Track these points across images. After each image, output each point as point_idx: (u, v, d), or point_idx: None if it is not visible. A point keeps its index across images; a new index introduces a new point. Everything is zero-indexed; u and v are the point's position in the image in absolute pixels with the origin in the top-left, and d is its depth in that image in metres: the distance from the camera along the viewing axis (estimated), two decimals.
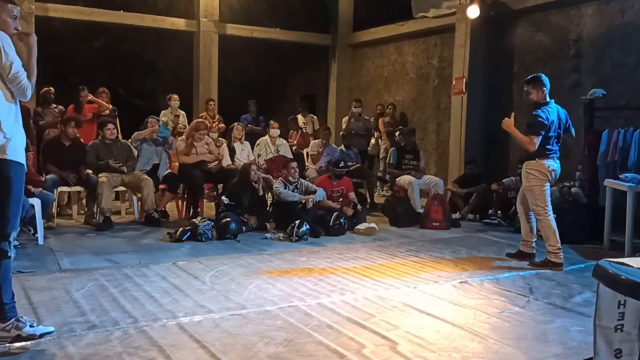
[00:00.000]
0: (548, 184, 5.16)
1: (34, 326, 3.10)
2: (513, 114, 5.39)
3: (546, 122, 4.99)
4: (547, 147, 5.08)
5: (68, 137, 6.85)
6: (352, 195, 7.35)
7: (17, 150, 3.07)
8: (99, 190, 6.51)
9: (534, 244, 5.42)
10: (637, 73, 7.23)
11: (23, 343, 3.05)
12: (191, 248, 5.71)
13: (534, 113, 5.04)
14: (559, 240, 5.12)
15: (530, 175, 5.13)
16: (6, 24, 3.08)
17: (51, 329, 3.17)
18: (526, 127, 5.07)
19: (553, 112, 5.12)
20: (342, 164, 7.42)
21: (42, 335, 3.08)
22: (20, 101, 3.18)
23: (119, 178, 6.83)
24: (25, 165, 3.13)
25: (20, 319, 3.09)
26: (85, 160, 6.82)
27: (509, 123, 5.22)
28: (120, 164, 6.85)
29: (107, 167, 6.79)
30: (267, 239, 6.25)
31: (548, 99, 5.16)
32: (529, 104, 5.24)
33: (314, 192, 6.85)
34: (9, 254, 3.03)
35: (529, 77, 5.29)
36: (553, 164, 5.14)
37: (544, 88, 5.14)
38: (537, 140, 4.99)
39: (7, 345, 3.02)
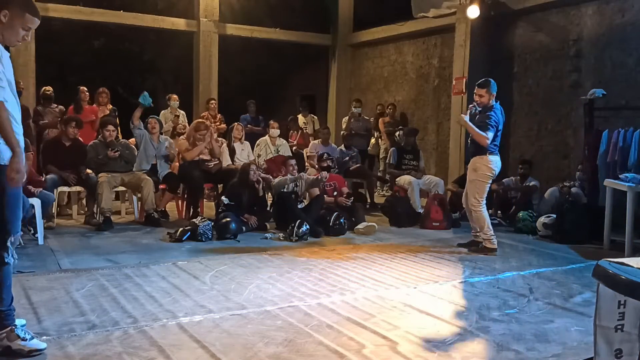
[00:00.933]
0: (490, 179, 5.73)
1: (26, 339, 2.93)
2: (469, 110, 5.84)
3: (497, 123, 5.58)
4: (494, 144, 5.63)
5: (68, 137, 6.85)
6: (344, 189, 7.39)
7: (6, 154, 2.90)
8: (99, 190, 6.51)
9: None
10: (637, 73, 7.24)
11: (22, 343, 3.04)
12: (191, 248, 5.71)
13: (488, 114, 5.55)
14: (491, 228, 5.74)
15: (479, 170, 5.63)
16: (14, 33, 2.92)
17: (43, 345, 2.98)
18: (479, 125, 5.55)
19: (499, 112, 5.65)
20: (325, 156, 7.43)
21: (30, 352, 2.89)
22: (19, 101, 3.14)
23: (119, 178, 6.83)
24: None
25: (15, 330, 2.92)
26: (84, 160, 6.82)
27: (463, 119, 5.68)
28: (117, 150, 6.82)
29: (107, 160, 6.79)
30: (267, 239, 6.25)
31: (494, 101, 5.67)
32: (480, 106, 5.68)
33: (317, 184, 6.86)
34: (6, 261, 2.90)
35: (481, 81, 5.76)
36: (497, 160, 5.68)
37: (494, 92, 5.68)
38: (490, 136, 5.51)
39: None
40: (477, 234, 5.83)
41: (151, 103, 7.16)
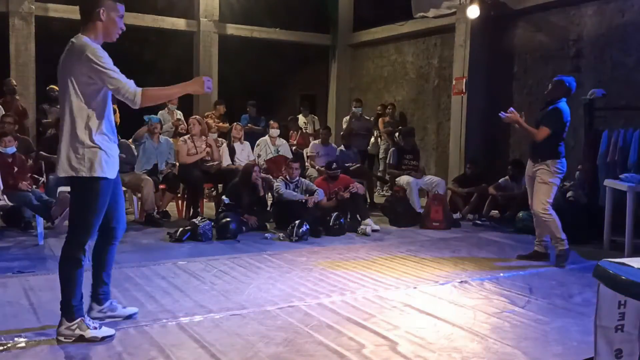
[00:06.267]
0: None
1: (97, 328, 3.17)
2: (523, 112, 5.51)
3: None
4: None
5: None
6: (352, 185, 7.13)
7: (104, 165, 3.11)
8: None
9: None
10: (637, 73, 7.23)
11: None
12: (191, 248, 5.71)
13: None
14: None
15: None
16: (115, 24, 3.14)
17: (112, 331, 3.21)
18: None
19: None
20: (334, 165, 7.36)
21: (103, 338, 3.13)
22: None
23: (119, 178, 6.81)
24: (110, 179, 3.18)
25: (85, 319, 3.16)
26: None
27: (516, 117, 5.30)
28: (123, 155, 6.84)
29: None
30: (267, 239, 6.25)
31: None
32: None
33: (314, 192, 6.85)
34: (82, 263, 3.12)
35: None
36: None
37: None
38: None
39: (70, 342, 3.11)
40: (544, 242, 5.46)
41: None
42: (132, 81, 3.08)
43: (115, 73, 3.02)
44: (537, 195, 5.24)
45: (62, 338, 3.10)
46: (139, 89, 3.05)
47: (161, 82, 3.43)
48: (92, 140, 3.05)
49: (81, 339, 3.10)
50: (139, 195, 7.00)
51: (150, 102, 3.15)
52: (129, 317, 3.50)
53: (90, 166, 3.05)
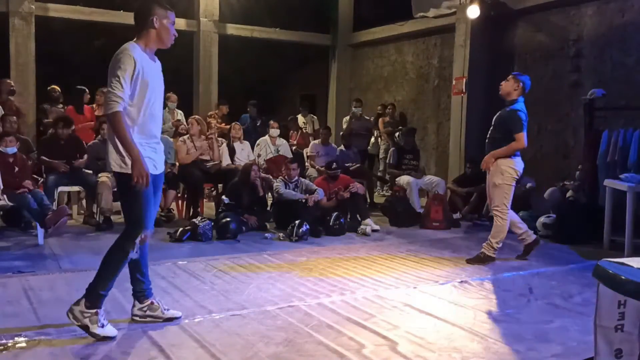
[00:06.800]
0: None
1: (103, 326, 3.18)
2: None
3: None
4: None
5: (61, 138, 6.82)
6: (352, 185, 7.12)
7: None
8: (99, 191, 6.50)
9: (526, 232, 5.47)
10: (637, 73, 7.23)
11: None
12: (191, 248, 5.71)
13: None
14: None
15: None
16: (167, 30, 3.33)
17: (114, 332, 3.21)
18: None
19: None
20: (334, 165, 7.35)
21: (103, 338, 3.15)
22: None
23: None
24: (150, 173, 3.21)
25: (100, 314, 3.19)
26: (82, 153, 6.82)
27: (488, 158, 5.31)
28: None
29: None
30: (267, 239, 6.25)
31: None
32: None
33: (314, 191, 6.85)
34: (130, 256, 3.21)
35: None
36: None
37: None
38: None
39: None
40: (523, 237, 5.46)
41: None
42: (126, 100, 3.11)
43: (118, 81, 3.08)
44: (495, 195, 5.23)
45: (70, 316, 3.18)
46: (117, 109, 3.07)
47: None
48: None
49: (85, 328, 3.15)
50: None
51: (113, 129, 3.14)
52: (170, 319, 3.48)
53: (127, 163, 3.16)
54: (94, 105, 8.26)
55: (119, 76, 3.08)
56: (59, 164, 6.62)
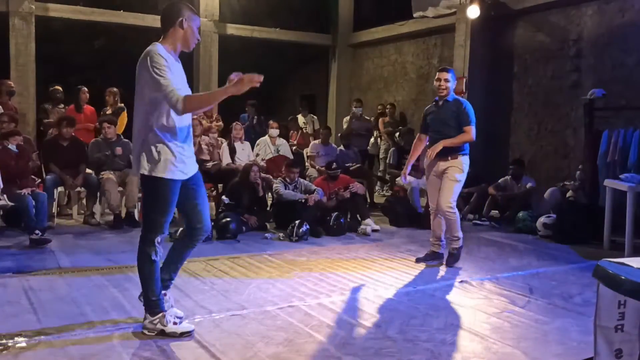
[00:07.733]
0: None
1: (177, 323, 3.27)
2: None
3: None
4: None
5: (65, 138, 6.83)
6: (353, 185, 7.12)
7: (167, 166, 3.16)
8: (106, 187, 6.52)
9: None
10: (637, 73, 7.23)
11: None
12: None
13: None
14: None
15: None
16: (193, 33, 3.27)
17: (191, 327, 3.29)
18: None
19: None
20: (334, 165, 7.35)
21: (182, 334, 3.23)
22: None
23: (120, 177, 6.81)
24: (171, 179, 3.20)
25: (166, 315, 3.26)
26: (84, 158, 6.82)
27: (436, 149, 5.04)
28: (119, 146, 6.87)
29: (113, 157, 6.81)
30: (267, 239, 6.25)
31: None
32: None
33: (314, 191, 6.85)
34: (153, 259, 3.23)
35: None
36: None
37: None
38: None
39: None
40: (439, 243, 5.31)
41: None
42: (181, 88, 3.10)
43: (165, 80, 3.05)
44: (444, 192, 5.04)
45: (146, 332, 3.26)
46: (182, 96, 3.04)
47: None
48: (154, 143, 3.14)
49: (162, 333, 3.22)
50: (140, 195, 6.97)
51: (194, 108, 3.15)
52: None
53: (151, 166, 3.15)
54: (107, 107, 8.21)
55: (161, 75, 3.04)
56: (67, 179, 6.63)
